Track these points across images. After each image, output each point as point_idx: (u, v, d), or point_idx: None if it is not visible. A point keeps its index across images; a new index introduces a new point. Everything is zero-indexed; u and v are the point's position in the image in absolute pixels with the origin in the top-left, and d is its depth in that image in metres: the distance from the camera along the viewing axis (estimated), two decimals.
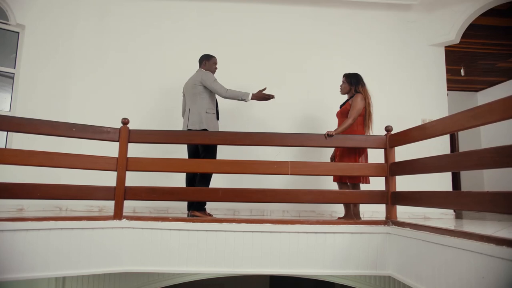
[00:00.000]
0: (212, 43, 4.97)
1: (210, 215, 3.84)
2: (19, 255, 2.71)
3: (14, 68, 4.37)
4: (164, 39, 5.02)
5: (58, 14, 4.71)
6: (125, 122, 3.30)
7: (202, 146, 3.85)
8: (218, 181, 4.39)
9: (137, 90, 4.88)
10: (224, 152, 4.34)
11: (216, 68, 4.14)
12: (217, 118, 4.03)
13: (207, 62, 4.09)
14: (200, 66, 4.12)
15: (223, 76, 4.88)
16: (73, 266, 2.89)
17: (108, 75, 4.87)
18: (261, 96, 3.91)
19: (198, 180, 3.81)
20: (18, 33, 4.42)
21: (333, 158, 4.08)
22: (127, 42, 4.96)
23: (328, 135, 3.48)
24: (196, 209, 3.73)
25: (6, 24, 4.32)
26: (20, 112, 4.18)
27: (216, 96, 4.02)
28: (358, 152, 3.75)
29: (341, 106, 4.02)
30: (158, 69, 4.95)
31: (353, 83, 3.90)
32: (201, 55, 4.12)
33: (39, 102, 4.42)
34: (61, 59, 4.71)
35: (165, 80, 4.93)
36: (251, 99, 3.89)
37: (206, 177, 3.81)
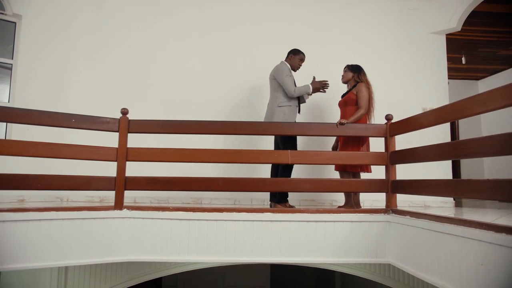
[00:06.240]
0: (209, 36, 4.95)
1: (292, 206, 3.84)
2: (21, 245, 2.72)
3: (12, 59, 4.34)
4: (162, 27, 4.96)
5: (55, 4, 4.65)
6: (124, 112, 3.29)
7: (280, 138, 3.88)
8: (218, 171, 4.40)
9: (137, 82, 4.83)
10: (224, 143, 4.33)
11: (300, 65, 4.06)
12: (298, 110, 3.97)
13: (293, 56, 4.01)
14: (285, 58, 4.06)
15: (221, 71, 4.85)
16: (75, 256, 2.91)
17: (107, 66, 4.82)
18: (318, 86, 3.87)
19: (280, 171, 3.81)
20: (15, 23, 4.37)
21: (334, 149, 4.09)
22: (125, 32, 4.91)
23: (340, 124, 3.48)
24: (278, 202, 3.80)
25: (2, 14, 4.27)
26: (19, 103, 4.15)
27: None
28: (361, 141, 3.76)
29: (343, 96, 4.04)
30: (158, 60, 4.90)
31: (355, 71, 3.95)
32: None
33: (38, 93, 4.39)
34: (59, 50, 4.66)
35: (165, 71, 4.88)
36: (312, 92, 3.89)
37: (289, 168, 3.82)
